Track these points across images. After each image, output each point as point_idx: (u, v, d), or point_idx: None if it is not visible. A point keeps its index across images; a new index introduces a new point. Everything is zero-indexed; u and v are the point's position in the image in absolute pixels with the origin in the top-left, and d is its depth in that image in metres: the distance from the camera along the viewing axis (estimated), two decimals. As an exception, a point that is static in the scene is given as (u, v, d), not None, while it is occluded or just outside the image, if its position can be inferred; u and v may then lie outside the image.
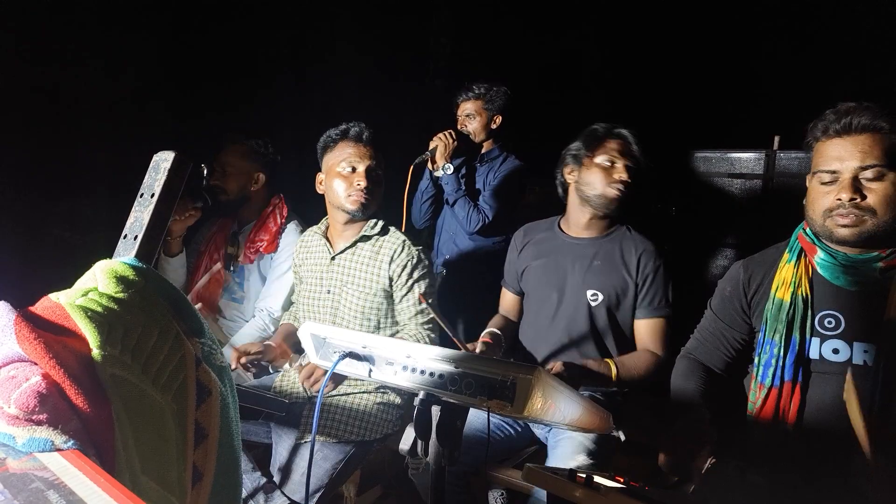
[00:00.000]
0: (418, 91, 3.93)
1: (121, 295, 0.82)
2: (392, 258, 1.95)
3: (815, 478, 1.39)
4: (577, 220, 2.02)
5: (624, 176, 1.91)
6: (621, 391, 1.98)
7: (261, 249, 2.24)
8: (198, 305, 2.27)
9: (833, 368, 1.43)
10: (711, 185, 3.80)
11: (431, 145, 2.73)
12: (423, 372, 1.18)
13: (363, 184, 1.92)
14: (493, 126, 2.86)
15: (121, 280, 0.84)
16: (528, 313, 2.12)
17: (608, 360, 1.85)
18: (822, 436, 1.42)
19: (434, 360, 1.17)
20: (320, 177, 2.02)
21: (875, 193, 1.37)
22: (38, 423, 0.66)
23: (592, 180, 1.95)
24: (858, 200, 1.38)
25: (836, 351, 1.43)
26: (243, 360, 1.96)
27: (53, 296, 0.82)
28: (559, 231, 2.08)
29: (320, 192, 2.02)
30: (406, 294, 1.99)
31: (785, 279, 1.50)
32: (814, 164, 1.46)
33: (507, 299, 2.21)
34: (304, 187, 2.15)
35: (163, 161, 0.93)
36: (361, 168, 1.94)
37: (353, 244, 1.98)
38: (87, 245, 2.22)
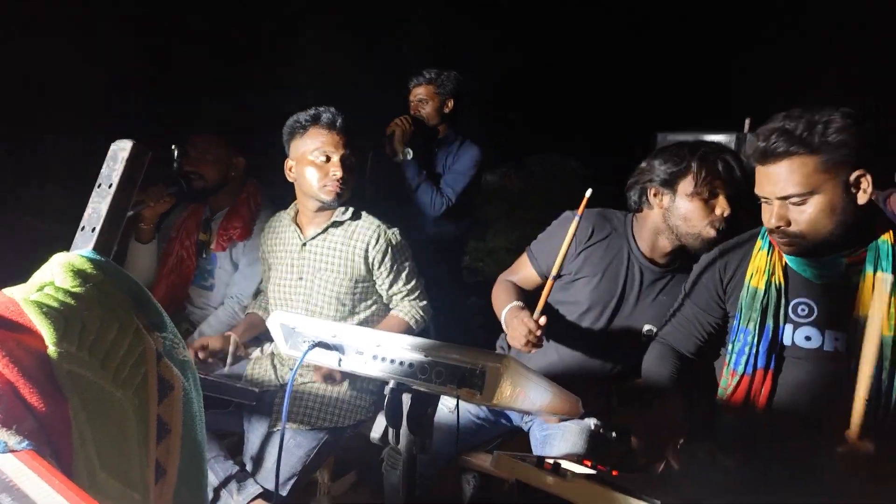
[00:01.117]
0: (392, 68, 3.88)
1: (78, 289, 0.80)
2: (368, 246, 1.93)
3: (784, 460, 1.42)
4: (656, 243, 1.77)
5: (727, 211, 1.64)
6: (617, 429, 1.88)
7: (234, 237, 2.21)
8: (160, 292, 2.24)
9: (805, 354, 1.46)
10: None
11: (388, 131, 2.77)
12: (392, 361, 1.17)
13: (339, 174, 1.89)
14: (446, 110, 2.90)
15: (78, 274, 0.82)
16: (560, 323, 1.86)
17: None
18: (792, 418, 1.45)
19: (404, 348, 1.16)
20: (289, 163, 1.98)
21: (801, 218, 1.36)
22: (-9, 423, 0.64)
23: (690, 216, 1.66)
24: (784, 227, 1.38)
25: (808, 338, 1.46)
26: (201, 355, 1.95)
27: (7, 291, 0.79)
28: (634, 243, 1.80)
29: (290, 179, 1.98)
30: (394, 278, 1.99)
31: (759, 267, 1.52)
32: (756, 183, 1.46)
33: (528, 276, 1.94)
34: (277, 170, 2.09)
35: (120, 150, 0.91)
36: (336, 157, 1.91)
37: (325, 230, 1.96)
38: (56, 234, 2.18)
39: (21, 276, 0.84)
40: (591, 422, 1.79)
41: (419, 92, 2.87)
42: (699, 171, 1.64)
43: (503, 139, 4.66)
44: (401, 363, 1.17)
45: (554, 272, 1.66)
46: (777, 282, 1.49)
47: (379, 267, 1.95)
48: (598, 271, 1.81)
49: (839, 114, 1.33)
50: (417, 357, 1.14)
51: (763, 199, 1.42)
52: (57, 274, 0.82)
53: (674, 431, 1.46)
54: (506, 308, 1.77)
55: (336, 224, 1.96)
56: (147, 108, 2.41)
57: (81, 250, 0.87)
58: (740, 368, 1.50)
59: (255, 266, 2.22)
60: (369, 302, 2.02)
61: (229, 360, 2.02)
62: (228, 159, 2.25)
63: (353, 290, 1.96)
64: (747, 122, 3.70)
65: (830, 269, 1.44)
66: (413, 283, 2.04)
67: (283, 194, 2.11)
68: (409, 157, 2.73)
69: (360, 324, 2.01)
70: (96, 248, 0.89)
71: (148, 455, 0.78)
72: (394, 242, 1.97)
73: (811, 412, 1.42)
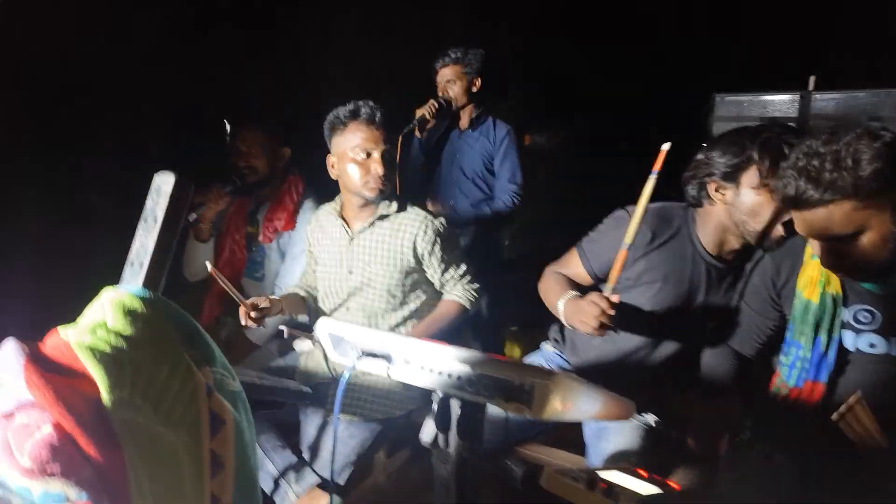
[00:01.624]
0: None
1: (129, 330, 0.82)
2: (417, 238, 1.92)
3: (842, 460, 1.37)
4: (723, 241, 1.66)
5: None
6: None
7: (279, 228, 2.24)
8: (216, 286, 2.29)
9: (872, 360, 1.39)
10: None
11: (418, 115, 2.77)
12: (441, 372, 1.17)
13: (380, 171, 1.88)
14: (474, 89, 2.87)
15: (129, 313, 0.83)
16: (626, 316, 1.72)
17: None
18: None
19: (452, 360, 1.16)
20: (331, 159, 1.98)
21: (853, 252, 1.25)
22: (52, 475, 0.66)
23: (759, 210, 1.52)
24: (836, 263, 1.29)
25: (872, 345, 1.39)
26: (254, 314, 1.92)
27: (62, 331, 0.82)
28: (698, 242, 1.68)
29: (333, 176, 1.98)
30: (445, 266, 1.99)
31: (812, 277, 1.43)
32: None
33: (579, 275, 1.85)
34: (317, 158, 2.09)
35: (164, 184, 0.91)
36: (377, 154, 1.89)
37: (372, 224, 1.96)
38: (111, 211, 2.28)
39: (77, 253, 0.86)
40: (651, 418, 1.75)
41: (446, 73, 2.84)
42: (762, 160, 1.50)
43: (550, 98, 4.53)
44: (448, 375, 1.16)
45: (608, 288, 1.52)
46: (833, 292, 1.40)
47: (430, 258, 1.95)
48: (661, 277, 1.71)
49: (865, 138, 1.19)
50: (465, 370, 1.14)
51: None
52: (108, 314, 0.84)
53: (729, 430, 1.43)
54: (564, 298, 1.67)
55: (382, 217, 1.96)
56: (182, 100, 2.44)
57: (131, 287, 0.89)
58: (791, 381, 1.45)
59: (301, 257, 2.25)
60: (419, 292, 2.02)
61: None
62: (276, 150, 2.27)
63: (404, 281, 1.97)
64: (812, 79, 3.49)
65: (893, 280, 1.35)
66: (463, 267, 2.03)
67: (325, 183, 2.11)
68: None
69: (412, 314, 2.02)
70: (145, 283, 0.90)
71: (203, 492, 0.80)
72: (441, 232, 1.95)
73: (879, 416, 1.36)
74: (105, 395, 0.74)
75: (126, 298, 0.86)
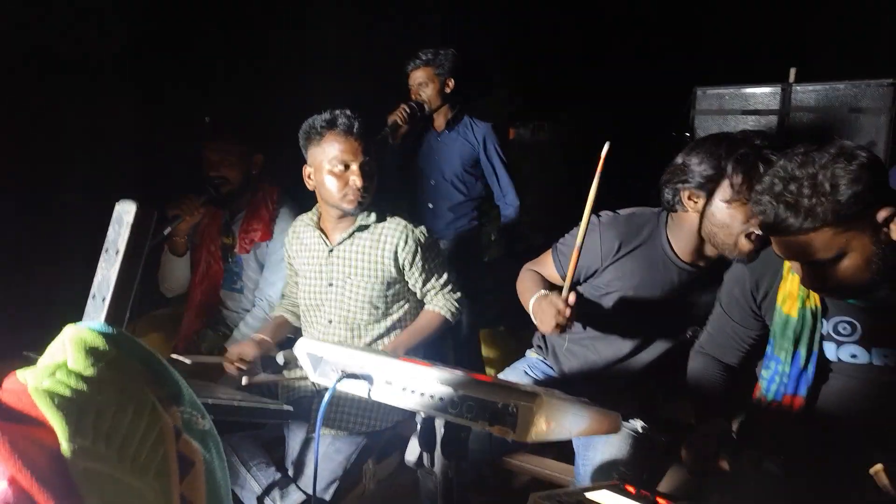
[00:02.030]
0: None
1: (91, 371, 0.78)
2: (397, 249, 1.89)
3: (832, 466, 1.36)
4: (694, 248, 1.63)
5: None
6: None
7: (255, 239, 2.19)
8: (195, 300, 2.25)
9: (853, 370, 1.38)
10: (725, 124, 3.66)
11: (390, 121, 2.72)
12: (422, 394, 1.14)
13: (359, 183, 1.84)
14: (447, 90, 2.83)
15: (90, 352, 0.80)
16: (596, 330, 1.78)
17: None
18: (839, 426, 1.38)
19: (434, 382, 1.13)
20: (308, 170, 1.93)
21: (835, 274, 1.23)
22: (8, 535, 0.63)
23: (729, 223, 1.50)
24: (819, 285, 1.28)
25: (854, 356, 1.38)
26: (242, 366, 1.90)
27: (20, 374, 0.77)
28: (669, 249, 1.67)
29: (310, 187, 1.94)
30: (426, 276, 1.96)
31: (790, 292, 1.41)
32: None
33: (553, 276, 1.83)
34: (296, 163, 2.03)
35: (125, 213, 0.87)
36: (355, 165, 1.85)
37: (351, 235, 1.92)
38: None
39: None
40: (638, 424, 1.74)
41: (418, 76, 2.79)
42: (735, 175, 1.48)
43: (532, 91, 4.51)
44: (431, 396, 1.13)
45: (565, 288, 1.53)
46: (812, 306, 1.38)
47: (410, 268, 1.92)
48: (632, 285, 1.70)
49: (841, 160, 1.16)
50: (447, 391, 1.11)
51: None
52: (69, 353, 0.80)
53: (723, 443, 1.41)
54: (534, 297, 1.66)
55: (362, 228, 1.92)
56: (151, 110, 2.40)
57: (93, 323, 0.85)
58: (770, 395, 1.44)
59: (280, 265, 2.20)
60: (402, 302, 1.99)
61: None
62: (248, 157, 2.22)
63: (385, 292, 1.93)
64: (793, 71, 3.49)
65: (873, 294, 1.33)
66: (445, 276, 2.00)
67: (302, 189, 2.05)
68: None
69: (395, 324, 1.99)
70: (108, 318, 0.86)
71: (173, 538, 0.77)
72: (422, 241, 1.92)
73: (863, 422, 1.35)
74: (64, 445, 0.70)
75: (87, 336, 0.82)
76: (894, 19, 3.55)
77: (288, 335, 2.15)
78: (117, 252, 0.87)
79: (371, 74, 3.21)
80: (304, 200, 2.13)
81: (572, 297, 1.50)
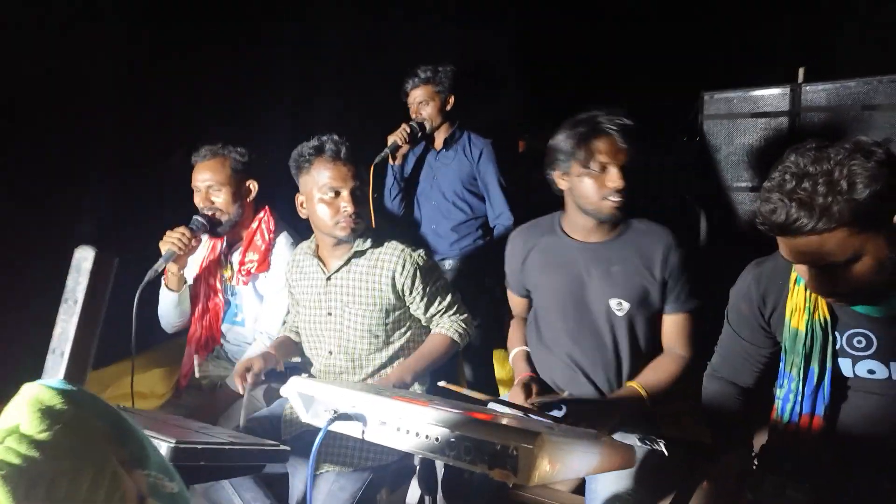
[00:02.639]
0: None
1: (45, 435, 0.72)
2: (395, 274, 1.82)
3: (859, 492, 1.26)
4: (582, 226, 1.77)
5: (618, 183, 1.63)
6: (661, 436, 1.75)
7: (252, 271, 2.12)
8: (196, 334, 2.20)
9: (872, 386, 1.28)
10: (735, 128, 3.58)
11: (389, 141, 2.67)
12: (418, 434, 1.07)
13: (350, 209, 1.78)
14: (448, 108, 2.77)
15: (46, 414, 0.74)
16: (541, 330, 1.87)
17: (632, 385, 1.70)
18: (863, 447, 1.28)
19: (429, 421, 1.05)
20: (300, 198, 1.88)
21: (848, 277, 1.15)
22: None
23: (585, 192, 1.68)
24: (831, 290, 1.19)
25: (871, 371, 1.28)
26: (250, 378, 1.83)
27: (-28, 441, 0.72)
28: (564, 235, 1.81)
29: (303, 216, 1.88)
30: (428, 300, 1.89)
31: (798, 304, 1.32)
32: None
33: (518, 303, 2.01)
34: (292, 184, 1.98)
35: (83, 260, 0.81)
36: (346, 191, 1.79)
37: (348, 262, 1.86)
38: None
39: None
40: (634, 438, 1.65)
41: (417, 94, 2.73)
42: (578, 149, 1.66)
43: (541, 99, 4.46)
44: (426, 436, 1.06)
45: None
46: (821, 319, 1.29)
47: (411, 293, 1.85)
48: (544, 274, 1.84)
49: (858, 157, 1.09)
50: (444, 431, 1.04)
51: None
52: (23, 415, 0.74)
53: (746, 475, 1.32)
54: (511, 354, 1.94)
55: (358, 254, 1.86)
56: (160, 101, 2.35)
57: (51, 380, 0.79)
58: (786, 416, 1.34)
59: (280, 296, 2.14)
60: (403, 329, 1.92)
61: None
62: (240, 183, 2.15)
63: (385, 320, 1.87)
64: (801, 71, 3.41)
65: (887, 303, 1.24)
66: (449, 298, 1.93)
67: (300, 218, 1.99)
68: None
69: (398, 352, 1.92)
70: (67, 374, 0.80)
71: None
72: (421, 265, 1.85)
73: (888, 443, 1.26)
74: (10, 522, 0.64)
75: (44, 395, 0.76)
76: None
77: (295, 358, 2.08)
78: (76, 301, 0.81)
79: (376, 92, 3.14)
80: (303, 229, 2.08)
81: (536, 388, 1.71)
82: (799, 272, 1.24)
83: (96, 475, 0.72)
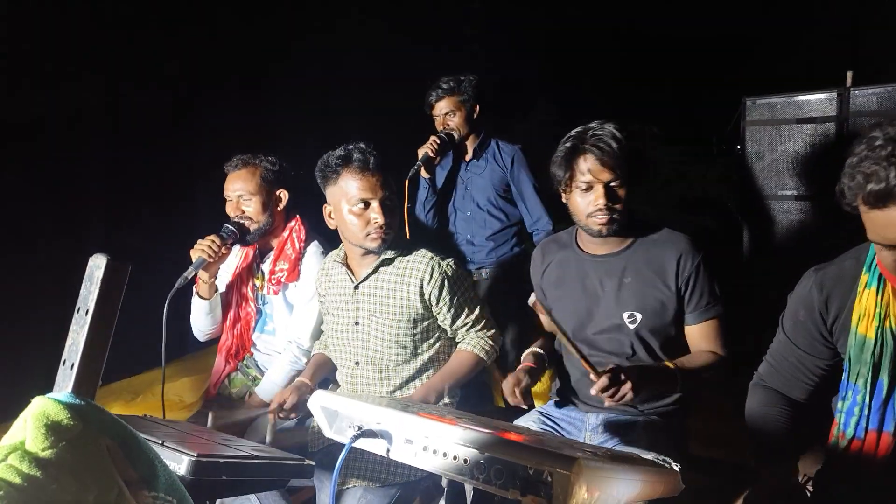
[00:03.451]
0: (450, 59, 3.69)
1: (48, 453, 0.68)
2: (423, 283, 1.77)
3: None
4: (590, 239, 1.76)
5: (601, 203, 1.62)
6: (681, 408, 1.74)
7: (282, 280, 2.10)
8: (227, 342, 2.19)
9: None
10: (779, 134, 3.45)
11: (420, 154, 2.64)
12: (445, 454, 1.01)
13: (380, 220, 1.74)
14: (475, 116, 2.74)
15: (52, 430, 0.70)
16: (563, 345, 1.83)
17: (668, 363, 1.64)
18: None
19: (457, 441, 0.99)
20: (328, 209, 1.83)
21: None
22: None
23: (575, 209, 1.69)
24: None
25: None
26: (282, 415, 1.82)
27: (-25, 457, 0.68)
28: (578, 249, 1.81)
29: (331, 226, 1.84)
30: (455, 312, 1.84)
31: (867, 310, 1.22)
32: (866, 228, 1.14)
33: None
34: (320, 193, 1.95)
35: (96, 269, 0.78)
36: (375, 202, 1.75)
37: (375, 269, 1.81)
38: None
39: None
40: (650, 455, 1.55)
41: (442, 105, 2.70)
42: (565, 168, 1.66)
43: (577, 108, 4.40)
44: (454, 457, 1.00)
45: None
46: (892, 326, 1.19)
47: (438, 303, 1.79)
48: (559, 289, 1.83)
49: None
50: (472, 452, 0.97)
51: (886, 247, 1.12)
52: (29, 431, 0.71)
53: (791, 496, 1.22)
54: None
55: (386, 262, 1.81)
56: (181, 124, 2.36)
57: (60, 394, 0.76)
58: (850, 431, 1.23)
59: (310, 305, 2.10)
60: (432, 340, 1.87)
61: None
62: (271, 193, 2.13)
63: (413, 331, 1.81)
64: (849, 75, 3.27)
65: None
66: (477, 312, 1.87)
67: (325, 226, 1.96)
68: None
69: (426, 364, 1.86)
70: (76, 387, 0.77)
71: None
72: (450, 274, 1.79)
73: None
74: (8, 546, 0.60)
75: (51, 409, 0.72)
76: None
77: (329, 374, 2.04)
78: (87, 311, 0.78)
79: (406, 103, 3.12)
80: (333, 238, 2.04)
81: (525, 381, 1.63)
82: (887, 260, 1.13)
83: (100, 495, 0.68)
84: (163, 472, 0.75)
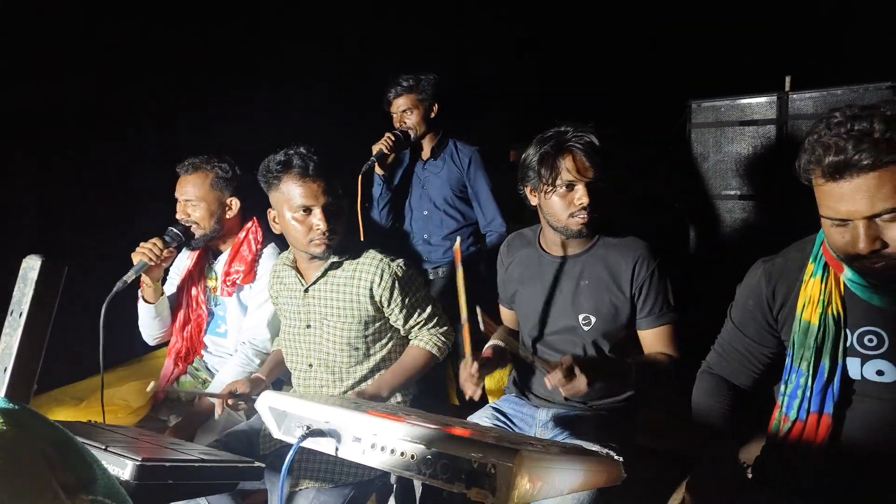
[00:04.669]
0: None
1: (-19, 457, 0.67)
2: (372, 285, 1.77)
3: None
4: (553, 240, 1.78)
5: (584, 201, 1.64)
6: (630, 405, 1.79)
7: (237, 281, 2.07)
8: (176, 345, 2.15)
9: (879, 390, 1.24)
10: (723, 136, 3.57)
11: (375, 150, 2.64)
12: (392, 451, 1.02)
13: (323, 227, 1.72)
14: (432, 115, 2.75)
15: (-16, 434, 0.68)
16: (523, 341, 1.87)
17: (626, 359, 1.68)
18: (866, 464, 1.24)
19: (404, 438, 1.01)
20: (272, 213, 1.82)
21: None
22: None
23: (553, 209, 1.69)
24: (880, 249, 1.14)
25: (880, 372, 1.24)
26: (230, 402, 1.81)
27: None
28: (540, 248, 1.83)
29: (276, 231, 1.83)
30: (407, 312, 1.84)
31: (811, 297, 1.29)
32: (818, 203, 1.20)
33: (507, 315, 1.98)
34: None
35: (30, 270, 0.76)
36: (317, 209, 1.73)
37: (325, 273, 1.81)
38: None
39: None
40: (594, 447, 1.59)
41: (400, 103, 2.70)
42: (545, 167, 1.65)
43: (532, 109, 4.45)
44: (401, 454, 1.01)
45: (462, 315, 1.53)
46: (834, 312, 1.25)
47: (389, 305, 1.80)
48: (521, 285, 1.85)
49: None
50: (419, 448, 0.99)
51: (836, 222, 1.17)
52: (-40, 436, 0.69)
53: (729, 487, 1.27)
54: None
55: (335, 265, 1.81)
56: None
57: (-7, 398, 0.74)
58: (792, 413, 1.29)
59: (263, 308, 2.09)
60: (384, 341, 1.87)
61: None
62: (220, 200, 2.10)
63: (365, 332, 1.82)
64: (788, 79, 3.40)
65: None
66: (430, 310, 1.88)
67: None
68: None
69: (378, 365, 1.87)
70: (10, 391, 0.75)
71: None
72: (400, 275, 1.80)
73: (893, 453, 1.21)
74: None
75: (-16, 415, 0.71)
76: (890, 20, 3.46)
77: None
78: (21, 314, 0.76)
79: (366, 103, 3.11)
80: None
81: (474, 367, 1.56)
82: (835, 237, 1.18)
83: (35, 500, 0.67)
84: (101, 475, 0.74)
